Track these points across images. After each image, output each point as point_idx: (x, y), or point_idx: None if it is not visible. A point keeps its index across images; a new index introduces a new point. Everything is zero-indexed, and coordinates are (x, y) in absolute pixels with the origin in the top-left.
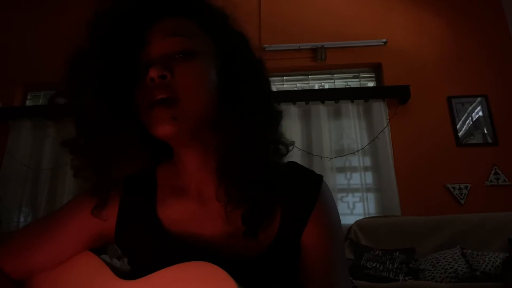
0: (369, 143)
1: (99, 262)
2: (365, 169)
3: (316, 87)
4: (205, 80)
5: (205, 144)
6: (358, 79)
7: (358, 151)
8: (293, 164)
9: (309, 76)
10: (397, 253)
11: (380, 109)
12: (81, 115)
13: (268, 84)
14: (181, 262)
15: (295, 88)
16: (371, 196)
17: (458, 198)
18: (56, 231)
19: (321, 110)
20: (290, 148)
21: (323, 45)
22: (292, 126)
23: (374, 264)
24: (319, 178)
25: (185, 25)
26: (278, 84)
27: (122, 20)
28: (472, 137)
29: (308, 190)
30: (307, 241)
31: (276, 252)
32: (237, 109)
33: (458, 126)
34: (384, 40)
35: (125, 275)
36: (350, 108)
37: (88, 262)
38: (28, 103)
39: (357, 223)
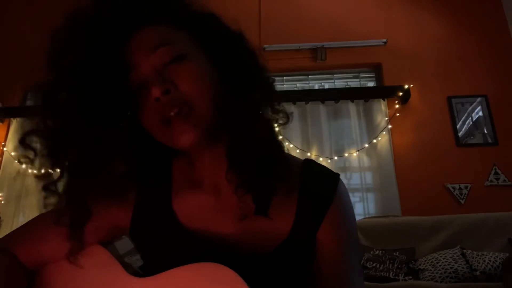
0: (369, 143)
1: (110, 257)
2: (365, 169)
3: (316, 87)
4: (204, 77)
5: (218, 139)
6: (358, 79)
7: (358, 151)
8: (310, 161)
9: (309, 76)
10: (397, 253)
11: (380, 109)
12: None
13: (257, 60)
14: (195, 260)
15: (295, 88)
16: (371, 196)
17: (458, 198)
18: None
19: (321, 110)
20: (290, 119)
21: (323, 45)
22: (292, 126)
23: (374, 264)
24: (336, 176)
25: (165, 31)
26: (278, 84)
27: (94, 42)
28: (472, 137)
29: (325, 187)
30: (322, 239)
31: (290, 248)
32: (234, 93)
33: (458, 126)
34: (384, 40)
35: (135, 272)
36: (350, 108)
37: (98, 257)
38: (28, 103)
39: (357, 223)
